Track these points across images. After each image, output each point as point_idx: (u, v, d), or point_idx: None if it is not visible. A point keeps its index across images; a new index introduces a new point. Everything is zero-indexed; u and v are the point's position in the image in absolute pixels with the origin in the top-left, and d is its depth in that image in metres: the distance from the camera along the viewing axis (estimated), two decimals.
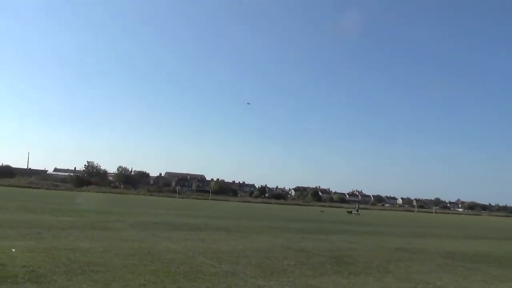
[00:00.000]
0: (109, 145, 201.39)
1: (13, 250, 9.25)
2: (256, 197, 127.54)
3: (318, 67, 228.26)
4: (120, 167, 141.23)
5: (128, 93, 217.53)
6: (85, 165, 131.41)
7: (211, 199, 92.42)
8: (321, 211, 60.90)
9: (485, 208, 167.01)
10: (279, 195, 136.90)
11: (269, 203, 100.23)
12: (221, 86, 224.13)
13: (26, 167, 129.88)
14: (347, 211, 56.86)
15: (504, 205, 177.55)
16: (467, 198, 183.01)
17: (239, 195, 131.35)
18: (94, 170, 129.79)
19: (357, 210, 54.75)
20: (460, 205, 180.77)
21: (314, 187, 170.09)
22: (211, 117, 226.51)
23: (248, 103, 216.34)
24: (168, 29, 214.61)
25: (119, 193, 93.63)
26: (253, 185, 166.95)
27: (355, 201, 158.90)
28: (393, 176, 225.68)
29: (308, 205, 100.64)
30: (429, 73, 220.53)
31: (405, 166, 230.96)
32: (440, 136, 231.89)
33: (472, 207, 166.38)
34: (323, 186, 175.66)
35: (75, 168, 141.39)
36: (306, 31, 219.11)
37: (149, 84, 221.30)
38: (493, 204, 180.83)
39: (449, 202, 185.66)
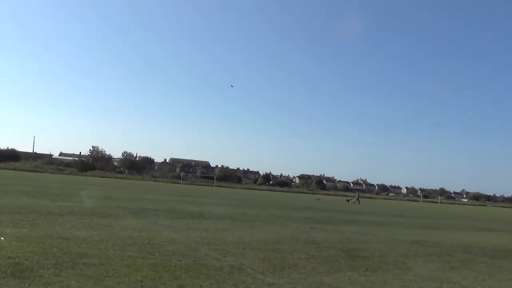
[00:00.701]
0: (114, 131, 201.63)
1: (2, 238, 8.54)
2: (261, 184, 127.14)
3: (325, 52, 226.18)
4: (125, 152, 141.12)
5: (134, 79, 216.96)
6: (90, 149, 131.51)
7: (215, 186, 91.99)
8: (317, 199, 60.14)
9: (489, 198, 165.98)
10: (283, 182, 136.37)
11: (273, 190, 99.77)
12: (227, 73, 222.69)
13: (31, 151, 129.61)
14: (346, 200, 56.59)
15: (509, 195, 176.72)
16: (472, 188, 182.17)
17: (243, 182, 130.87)
18: (99, 155, 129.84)
19: (357, 199, 54.05)
20: (464, 196, 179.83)
21: (319, 175, 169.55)
22: (216, 104, 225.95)
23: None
24: (183, 17, 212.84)
25: (123, 178, 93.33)
26: (257, 172, 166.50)
27: (359, 190, 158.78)
28: (398, 166, 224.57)
29: (312, 193, 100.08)
30: (433, 61, 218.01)
31: (409, 155, 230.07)
32: (445, 126, 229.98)
33: (477, 197, 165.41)
34: (328, 174, 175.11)
35: (80, 153, 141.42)
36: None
37: (156, 70, 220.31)
38: (497, 195, 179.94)
39: (454, 192, 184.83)
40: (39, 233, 9.53)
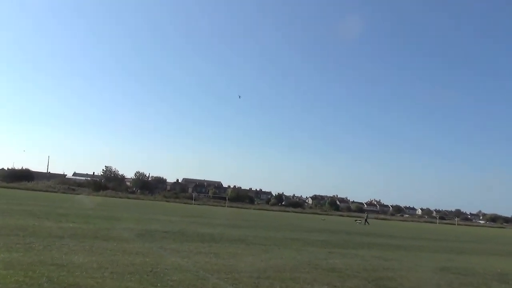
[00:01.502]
0: (128, 151, 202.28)
1: None
2: (273, 205, 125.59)
3: (340, 70, 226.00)
4: (137, 172, 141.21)
5: (148, 99, 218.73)
6: (103, 169, 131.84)
7: (227, 206, 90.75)
8: (322, 219, 58.57)
9: (507, 220, 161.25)
10: (296, 203, 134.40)
11: (286, 211, 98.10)
12: (241, 91, 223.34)
13: (45, 171, 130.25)
14: (354, 220, 55.64)
15: None
16: (488, 210, 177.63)
17: (256, 203, 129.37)
18: (112, 174, 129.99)
19: (366, 220, 52.94)
20: (481, 217, 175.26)
21: (332, 196, 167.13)
22: (229, 123, 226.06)
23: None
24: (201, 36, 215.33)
25: (135, 198, 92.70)
26: (270, 193, 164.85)
27: (368, 211, 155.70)
28: (412, 186, 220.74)
29: (326, 214, 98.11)
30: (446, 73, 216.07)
31: (425, 176, 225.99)
32: (461, 145, 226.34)
33: (494, 219, 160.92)
34: (341, 195, 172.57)
35: (93, 173, 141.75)
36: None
37: (169, 89, 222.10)
38: None
39: (470, 213, 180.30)
40: (31, 259, 8.62)
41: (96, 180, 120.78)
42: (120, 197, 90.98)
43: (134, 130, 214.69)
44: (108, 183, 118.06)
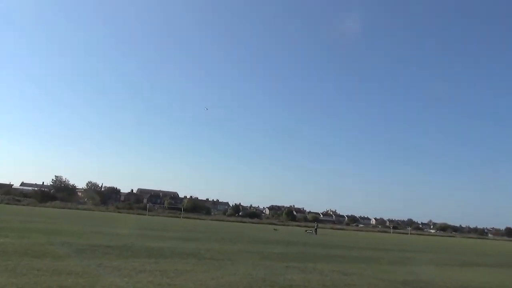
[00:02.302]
0: (80, 161, 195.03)
1: None
2: (230, 215, 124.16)
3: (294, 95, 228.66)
4: (89, 182, 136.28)
5: (101, 106, 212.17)
6: (52, 179, 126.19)
7: (183, 217, 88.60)
8: (274, 229, 58.39)
9: (456, 229, 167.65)
10: (253, 213, 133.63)
11: (243, 222, 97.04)
12: (200, 100, 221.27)
13: None
14: (305, 230, 56.66)
15: (475, 226, 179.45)
16: (438, 219, 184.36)
17: (212, 213, 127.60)
18: (62, 185, 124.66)
19: (315, 230, 54.16)
20: (432, 226, 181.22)
21: (289, 206, 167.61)
22: (186, 133, 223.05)
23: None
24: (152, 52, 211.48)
25: (85, 209, 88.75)
26: (227, 203, 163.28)
27: (329, 221, 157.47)
28: (366, 197, 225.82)
29: (283, 225, 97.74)
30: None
31: (377, 186, 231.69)
32: (412, 158, 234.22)
33: (444, 228, 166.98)
34: (298, 205, 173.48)
35: (43, 183, 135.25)
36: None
37: (121, 97, 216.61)
38: (463, 225, 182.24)
39: (421, 223, 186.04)
40: None
41: (44, 190, 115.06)
42: (69, 208, 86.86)
43: (87, 139, 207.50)
44: (58, 193, 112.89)
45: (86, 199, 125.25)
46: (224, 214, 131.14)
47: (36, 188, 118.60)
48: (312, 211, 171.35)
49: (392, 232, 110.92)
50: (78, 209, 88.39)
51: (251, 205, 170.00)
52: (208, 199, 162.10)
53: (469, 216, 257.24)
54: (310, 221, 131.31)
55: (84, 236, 19.89)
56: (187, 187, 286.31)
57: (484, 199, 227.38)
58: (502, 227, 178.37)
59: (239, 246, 21.71)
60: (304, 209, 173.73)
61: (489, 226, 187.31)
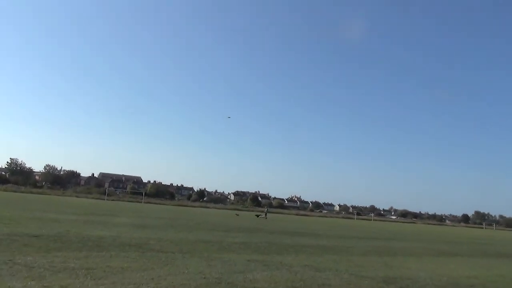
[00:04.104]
0: (40, 144, 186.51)
1: None
2: (194, 201, 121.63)
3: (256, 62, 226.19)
4: (47, 165, 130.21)
5: (63, 86, 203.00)
6: (7, 162, 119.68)
7: (144, 202, 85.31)
8: (236, 214, 57.31)
9: (415, 216, 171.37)
10: (218, 199, 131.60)
11: (207, 207, 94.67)
12: (166, 81, 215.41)
13: None
14: (255, 215, 55.82)
15: (433, 213, 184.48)
16: (399, 206, 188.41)
17: (176, 199, 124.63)
18: (18, 168, 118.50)
19: (266, 214, 54.41)
20: (393, 213, 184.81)
21: (254, 192, 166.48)
22: (151, 115, 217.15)
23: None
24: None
25: (39, 193, 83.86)
26: (191, 189, 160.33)
27: (293, 206, 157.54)
28: (330, 183, 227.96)
29: (247, 210, 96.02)
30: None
31: (340, 173, 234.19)
32: (375, 147, 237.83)
33: (405, 214, 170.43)
34: (263, 191, 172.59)
35: None
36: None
37: (86, 78, 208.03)
38: (422, 212, 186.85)
39: (383, 209, 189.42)
40: None
41: None
42: (21, 192, 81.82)
43: (47, 119, 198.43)
44: (13, 176, 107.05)
45: (44, 183, 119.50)
46: (188, 199, 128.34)
47: None
48: (277, 197, 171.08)
49: (356, 218, 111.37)
50: (31, 192, 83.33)
51: (216, 191, 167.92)
52: (172, 184, 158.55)
53: (427, 202, 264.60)
54: (275, 207, 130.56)
55: (13, 223, 16.97)
56: (151, 172, 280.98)
57: (441, 187, 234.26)
58: (459, 213, 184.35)
59: (197, 234, 19.35)
60: (269, 194, 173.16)
61: (446, 213, 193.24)
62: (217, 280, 8.61)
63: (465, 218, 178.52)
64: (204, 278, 8.75)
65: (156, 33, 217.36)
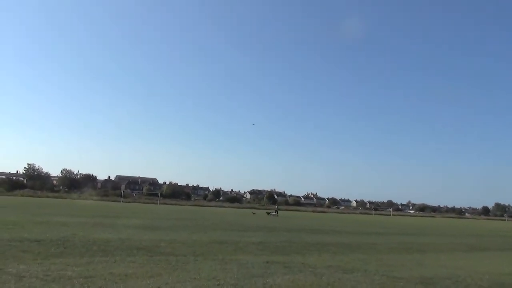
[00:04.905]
0: (55, 148, 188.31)
1: None
2: (210, 200, 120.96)
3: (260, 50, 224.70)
4: (64, 169, 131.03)
5: (77, 91, 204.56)
6: (25, 167, 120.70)
7: (160, 203, 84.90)
8: (253, 213, 56.83)
9: (434, 209, 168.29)
10: (233, 198, 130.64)
11: (223, 206, 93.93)
12: (181, 84, 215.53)
13: None
14: (266, 213, 54.53)
15: (452, 206, 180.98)
16: (416, 200, 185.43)
17: (192, 199, 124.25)
18: (35, 173, 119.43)
19: (276, 211, 52.47)
20: (411, 207, 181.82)
21: (270, 190, 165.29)
22: (166, 118, 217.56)
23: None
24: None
25: (56, 197, 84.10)
26: (207, 188, 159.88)
27: (310, 204, 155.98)
28: (346, 179, 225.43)
29: (264, 209, 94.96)
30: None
31: (356, 169, 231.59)
32: (389, 142, 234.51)
33: (423, 208, 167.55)
34: (278, 189, 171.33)
35: (17, 171, 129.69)
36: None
37: (98, 81, 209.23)
38: (441, 205, 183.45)
39: (401, 204, 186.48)
40: None
41: (13, 179, 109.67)
42: (38, 197, 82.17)
43: (65, 125, 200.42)
44: (31, 181, 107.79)
45: (61, 187, 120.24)
46: (204, 199, 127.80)
47: (3, 177, 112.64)
48: (293, 194, 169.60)
49: (374, 214, 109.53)
50: (48, 197, 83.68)
51: (231, 190, 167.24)
52: (188, 184, 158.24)
53: (445, 195, 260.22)
54: (291, 205, 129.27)
55: (17, 227, 16.12)
56: (167, 173, 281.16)
57: (459, 180, 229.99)
58: (478, 206, 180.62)
59: (211, 235, 18.28)
60: (285, 192, 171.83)
61: (465, 206, 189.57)
62: (233, 287, 7.55)
63: (485, 211, 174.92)
64: (218, 284, 7.69)
65: (168, 34, 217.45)
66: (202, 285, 7.54)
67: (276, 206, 59.74)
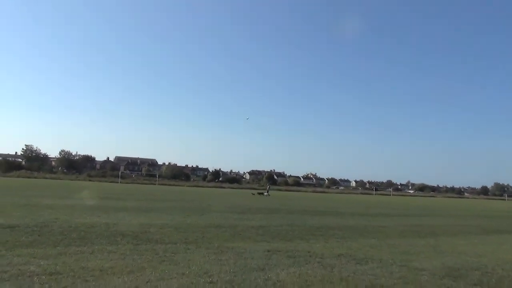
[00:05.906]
0: (54, 129, 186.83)
1: None
2: (209, 181, 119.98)
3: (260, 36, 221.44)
4: (62, 151, 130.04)
5: (76, 70, 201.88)
6: (22, 149, 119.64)
7: (158, 184, 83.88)
8: (252, 194, 53.15)
9: (433, 189, 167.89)
10: (233, 179, 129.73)
11: (222, 187, 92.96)
12: (180, 67, 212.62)
13: None
14: (257, 193, 52.64)
15: (451, 186, 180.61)
16: (415, 179, 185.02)
17: (191, 180, 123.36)
18: (33, 154, 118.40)
19: (268, 192, 52.02)
20: (410, 187, 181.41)
21: (269, 170, 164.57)
22: (163, 99, 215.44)
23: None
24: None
25: (52, 178, 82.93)
26: (207, 169, 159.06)
27: (309, 184, 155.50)
28: (345, 159, 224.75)
29: (263, 189, 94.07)
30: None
31: (355, 148, 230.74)
32: (388, 121, 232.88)
33: (422, 188, 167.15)
34: (278, 169, 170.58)
35: (16, 153, 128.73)
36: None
37: (96, 64, 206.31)
38: (440, 185, 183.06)
39: (400, 184, 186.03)
40: None
41: (9, 160, 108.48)
42: (35, 178, 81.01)
43: (63, 106, 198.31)
44: (30, 163, 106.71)
45: (60, 168, 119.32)
46: (204, 179, 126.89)
47: (0, 158, 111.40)
48: (293, 175, 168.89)
49: (375, 194, 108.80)
50: (45, 178, 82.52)
51: (231, 171, 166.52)
52: (187, 165, 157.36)
53: (443, 175, 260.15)
54: (291, 185, 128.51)
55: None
56: (166, 154, 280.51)
57: (457, 159, 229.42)
58: (477, 186, 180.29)
59: (207, 218, 16.94)
60: (285, 173, 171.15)
61: (464, 185, 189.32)
62: (228, 285, 6.26)
63: (485, 190, 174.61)
64: (211, 282, 6.41)
65: (175, 17, 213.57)
66: (191, 283, 6.26)
67: (268, 186, 60.17)
